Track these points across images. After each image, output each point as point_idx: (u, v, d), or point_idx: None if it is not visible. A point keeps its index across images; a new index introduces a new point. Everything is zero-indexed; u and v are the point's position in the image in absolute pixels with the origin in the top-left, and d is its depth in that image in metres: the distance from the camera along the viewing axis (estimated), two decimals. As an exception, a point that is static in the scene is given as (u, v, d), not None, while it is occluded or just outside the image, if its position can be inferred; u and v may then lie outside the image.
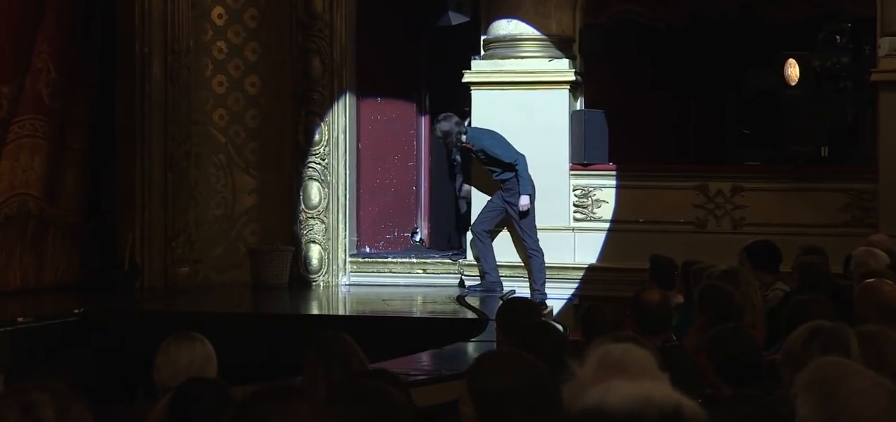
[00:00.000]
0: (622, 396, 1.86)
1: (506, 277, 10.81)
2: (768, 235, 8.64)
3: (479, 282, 10.88)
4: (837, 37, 10.69)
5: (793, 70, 10.64)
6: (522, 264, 10.86)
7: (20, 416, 2.23)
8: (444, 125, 10.86)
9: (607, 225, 10.97)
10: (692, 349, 5.08)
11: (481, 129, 10.85)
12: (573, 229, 11.01)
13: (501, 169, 10.67)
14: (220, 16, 11.93)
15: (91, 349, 9.41)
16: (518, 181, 10.58)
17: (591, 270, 10.83)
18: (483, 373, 3.25)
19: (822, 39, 10.76)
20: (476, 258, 10.92)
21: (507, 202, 10.70)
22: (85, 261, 11.69)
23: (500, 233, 10.95)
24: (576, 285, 10.79)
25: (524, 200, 10.58)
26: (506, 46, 11.17)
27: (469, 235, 11.17)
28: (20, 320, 9.28)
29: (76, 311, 9.85)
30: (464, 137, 10.80)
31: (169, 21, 11.55)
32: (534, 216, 10.71)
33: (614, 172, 11.12)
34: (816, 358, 3.20)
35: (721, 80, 12.28)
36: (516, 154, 10.61)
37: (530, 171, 10.60)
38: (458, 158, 11.84)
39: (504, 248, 10.92)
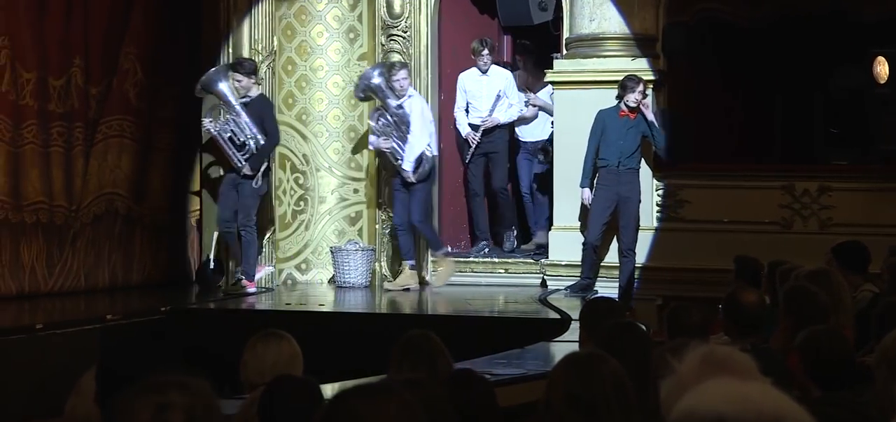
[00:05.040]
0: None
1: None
2: (856, 235, 8.47)
3: (572, 282, 10.70)
4: (928, 34, 10.49)
5: (882, 68, 10.45)
6: (610, 265, 10.68)
7: (154, 415, 2.20)
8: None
9: (691, 225, 10.84)
10: (778, 351, 5.00)
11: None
12: (657, 229, 10.90)
13: (640, 156, 10.47)
14: (303, 17, 12.02)
15: (177, 347, 9.53)
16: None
17: (674, 270, 10.70)
18: (566, 373, 3.24)
19: (912, 36, 10.56)
20: (582, 260, 10.72)
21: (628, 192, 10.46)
22: (171, 259, 11.84)
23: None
24: (659, 286, 10.66)
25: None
26: (588, 45, 11.09)
27: (549, 236, 11.08)
28: (109, 317, 9.45)
29: (162, 309, 10.00)
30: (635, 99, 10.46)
31: (253, 22, 11.68)
32: (638, 218, 10.54)
33: (698, 172, 10.99)
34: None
35: (808, 78, 12.10)
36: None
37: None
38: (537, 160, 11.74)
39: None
